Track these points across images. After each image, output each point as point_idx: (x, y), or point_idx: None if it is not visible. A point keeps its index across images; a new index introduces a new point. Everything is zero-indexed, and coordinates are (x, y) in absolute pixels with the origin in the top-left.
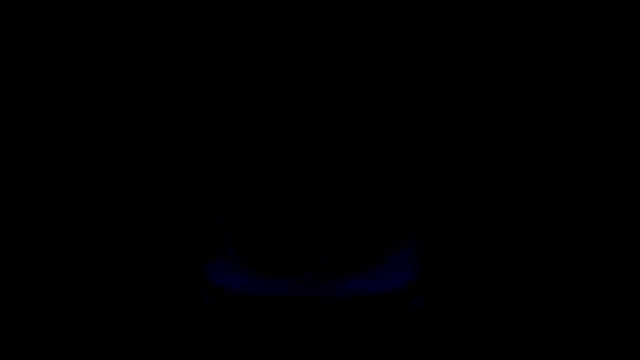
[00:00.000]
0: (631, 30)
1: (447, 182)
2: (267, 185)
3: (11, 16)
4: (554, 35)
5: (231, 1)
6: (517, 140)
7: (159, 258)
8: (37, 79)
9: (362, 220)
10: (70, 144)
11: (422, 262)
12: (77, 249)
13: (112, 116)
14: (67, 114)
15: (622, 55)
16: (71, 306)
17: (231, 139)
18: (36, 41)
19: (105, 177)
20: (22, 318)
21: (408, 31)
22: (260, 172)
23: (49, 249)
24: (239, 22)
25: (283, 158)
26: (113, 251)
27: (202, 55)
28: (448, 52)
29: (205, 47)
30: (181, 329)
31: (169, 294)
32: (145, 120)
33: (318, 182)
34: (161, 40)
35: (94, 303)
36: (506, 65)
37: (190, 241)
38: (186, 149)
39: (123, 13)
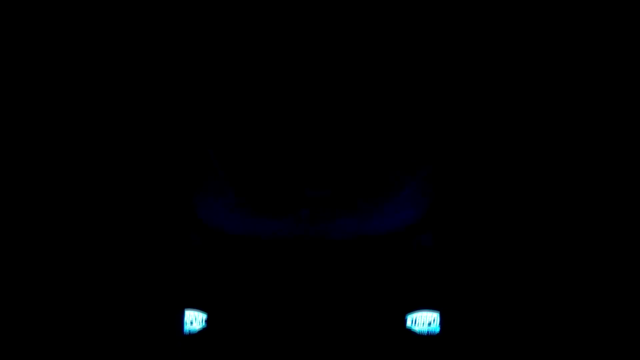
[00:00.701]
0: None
1: (466, 106)
2: (260, 109)
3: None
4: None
5: None
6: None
7: (147, 196)
8: None
9: (366, 149)
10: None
11: (432, 196)
12: (65, 184)
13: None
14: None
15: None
16: (61, 246)
17: (220, 58)
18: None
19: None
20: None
21: None
22: (252, 96)
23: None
24: None
25: (277, 76)
26: (100, 191)
27: None
28: None
29: None
30: (172, 271)
31: (157, 233)
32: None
33: (317, 105)
34: None
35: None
36: None
37: (177, 176)
38: (171, 72)
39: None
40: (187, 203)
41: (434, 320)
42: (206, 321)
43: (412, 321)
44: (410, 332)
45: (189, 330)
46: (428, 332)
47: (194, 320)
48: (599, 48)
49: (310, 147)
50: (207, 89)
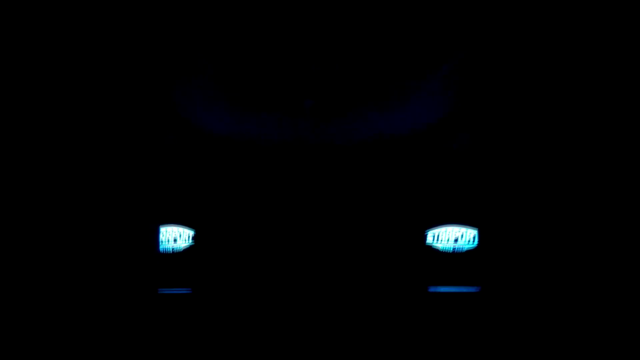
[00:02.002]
0: None
1: None
2: None
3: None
4: None
5: None
6: None
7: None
8: None
9: (380, 29)
10: None
11: (465, 90)
12: None
13: None
14: None
15: None
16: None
17: None
18: None
19: None
20: None
21: None
22: None
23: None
24: None
25: None
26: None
27: None
28: None
29: None
30: (143, 178)
31: (127, 133)
32: None
33: None
34: None
35: None
36: None
37: (152, 66)
38: None
39: None
40: (163, 95)
41: (461, 237)
42: (193, 238)
43: (434, 237)
44: (432, 250)
45: (173, 249)
46: (454, 249)
47: (179, 237)
48: None
49: (314, 28)
50: None
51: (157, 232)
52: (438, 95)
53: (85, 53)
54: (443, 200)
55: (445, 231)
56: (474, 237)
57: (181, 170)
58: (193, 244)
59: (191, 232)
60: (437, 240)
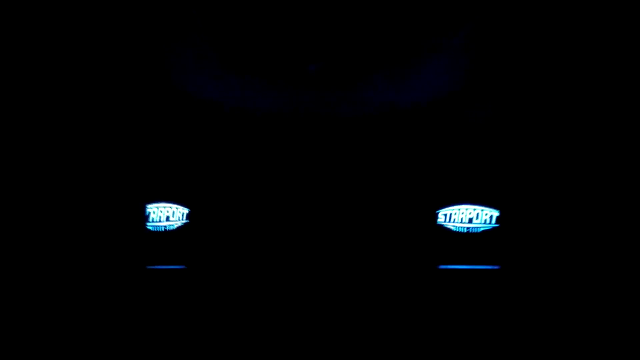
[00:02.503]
0: None
1: None
2: None
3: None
4: None
5: None
6: None
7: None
8: None
9: None
10: None
11: (478, 60)
12: None
13: None
14: None
15: None
16: None
17: None
18: None
19: None
20: None
21: None
22: None
23: None
24: None
25: None
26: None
27: None
28: None
29: None
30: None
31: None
32: None
33: None
34: None
35: None
36: None
37: (147, 36)
38: None
39: None
40: (149, 55)
41: (477, 217)
42: (188, 217)
43: (446, 217)
44: (443, 230)
45: (165, 227)
46: (468, 230)
47: (172, 215)
48: None
49: None
50: None
51: (144, 209)
52: (457, 60)
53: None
54: (458, 178)
55: (459, 211)
56: (490, 218)
57: (174, 144)
58: (188, 222)
59: (185, 210)
60: (450, 220)
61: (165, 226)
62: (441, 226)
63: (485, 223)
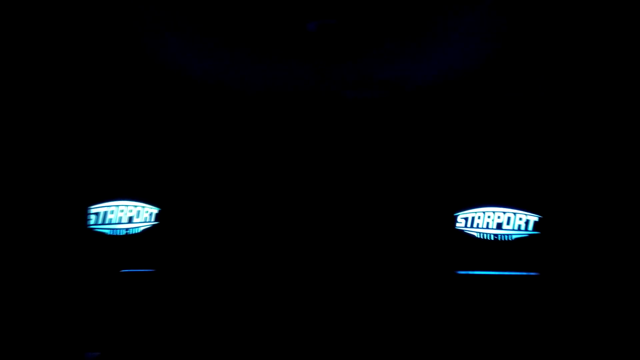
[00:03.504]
0: None
1: None
2: None
3: None
4: None
5: None
6: None
7: None
8: None
9: None
10: None
11: (513, 25)
12: None
13: None
14: None
15: None
16: None
17: None
18: None
19: None
20: None
21: None
22: None
23: None
24: None
25: None
26: None
27: None
28: None
29: None
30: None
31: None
32: None
33: None
34: None
35: None
36: None
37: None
38: None
39: None
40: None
41: (507, 222)
42: (158, 217)
43: (467, 221)
44: (463, 236)
45: (127, 231)
46: (497, 237)
47: (136, 215)
48: None
49: None
50: None
51: (85, 210)
52: (488, 25)
53: None
54: (482, 174)
55: (485, 214)
56: (526, 223)
57: (139, 127)
58: (157, 223)
59: (154, 210)
60: (472, 225)
61: (127, 229)
62: (461, 232)
63: (519, 230)
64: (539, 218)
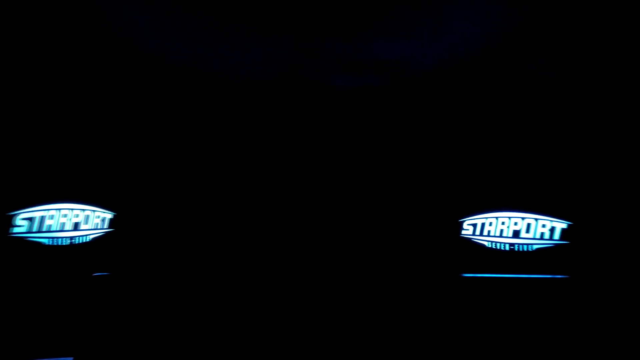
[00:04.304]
0: None
1: None
2: None
3: None
4: None
5: None
6: None
7: None
8: None
9: None
10: None
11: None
12: None
13: None
14: None
15: None
16: None
17: None
18: None
19: None
20: None
21: None
22: None
23: None
24: None
25: None
26: None
27: None
28: None
29: None
30: None
31: None
32: None
33: None
34: None
35: None
36: None
37: None
38: None
39: None
40: None
41: (527, 229)
42: (112, 223)
43: (476, 228)
44: (471, 245)
45: (71, 240)
46: (513, 247)
47: (84, 221)
48: None
49: None
50: None
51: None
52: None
53: None
54: (493, 172)
55: (497, 220)
56: (551, 231)
57: (95, 117)
58: (111, 231)
59: (108, 215)
60: (481, 232)
61: (71, 238)
62: (468, 240)
63: (542, 239)
64: (568, 225)
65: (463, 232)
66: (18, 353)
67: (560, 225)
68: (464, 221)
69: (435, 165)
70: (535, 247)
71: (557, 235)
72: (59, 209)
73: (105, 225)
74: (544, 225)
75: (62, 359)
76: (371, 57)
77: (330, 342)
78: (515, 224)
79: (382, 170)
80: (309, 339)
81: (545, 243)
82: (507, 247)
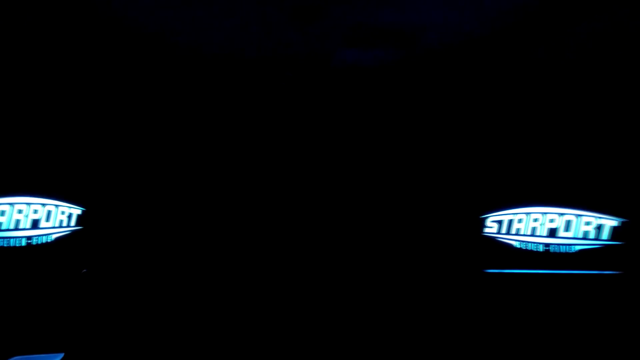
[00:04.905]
0: None
1: None
2: None
3: None
4: None
5: None
6: None
7: None
8: None
9: None
10: None
11: None
12: None
13: None
14: None
15: None
16: None
17: None
18: None
19: None
20: None
21: None
22: None
23: None
24: None
25: None
26: None
27: None
28: None
29: None
30: None
31: None
32: None
33: None
34: None
35: None
36: None
37: None
38: None
39: None
40: None
41: (567, 225)
42: (81, 220)
43: (501, 225)
44: (495, 244)
45: (28, 240)
46: (548, 248)
47: (45, 218)
48: None
49: None
50: None
51: None
52: None
53: None
54: (526, 162)
55: (528, 217)
56: (598, 230)
57: (62, 95)
58: (79, 229)
59: (76, 210)
60: (508, 231)
61: (28, 238)
62: (491, 240)
63: (586, 238)
64: (621, 222)
65: (486, 229)
66: None
67: (610, 222)
68: (487, 218)
69: (451, 153)
70: (577, 248)
71: (605, 235)
72: (12, 204)
73: (72, 223)
74: (588, 223)
75: (52, 355)
76: (380, 22)
77: (334, 341)
78: (551, 220)
79: (392, 159)
80: (320, 337)
81: (591, 243)
82: (542, 248)
